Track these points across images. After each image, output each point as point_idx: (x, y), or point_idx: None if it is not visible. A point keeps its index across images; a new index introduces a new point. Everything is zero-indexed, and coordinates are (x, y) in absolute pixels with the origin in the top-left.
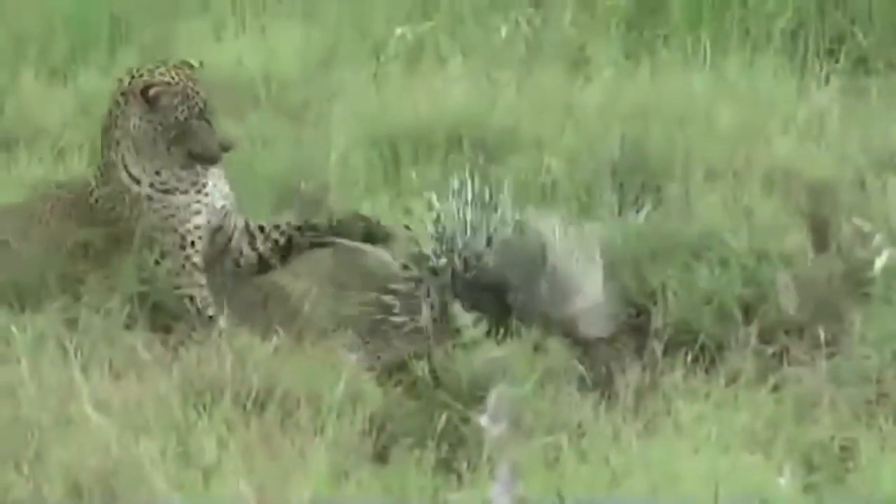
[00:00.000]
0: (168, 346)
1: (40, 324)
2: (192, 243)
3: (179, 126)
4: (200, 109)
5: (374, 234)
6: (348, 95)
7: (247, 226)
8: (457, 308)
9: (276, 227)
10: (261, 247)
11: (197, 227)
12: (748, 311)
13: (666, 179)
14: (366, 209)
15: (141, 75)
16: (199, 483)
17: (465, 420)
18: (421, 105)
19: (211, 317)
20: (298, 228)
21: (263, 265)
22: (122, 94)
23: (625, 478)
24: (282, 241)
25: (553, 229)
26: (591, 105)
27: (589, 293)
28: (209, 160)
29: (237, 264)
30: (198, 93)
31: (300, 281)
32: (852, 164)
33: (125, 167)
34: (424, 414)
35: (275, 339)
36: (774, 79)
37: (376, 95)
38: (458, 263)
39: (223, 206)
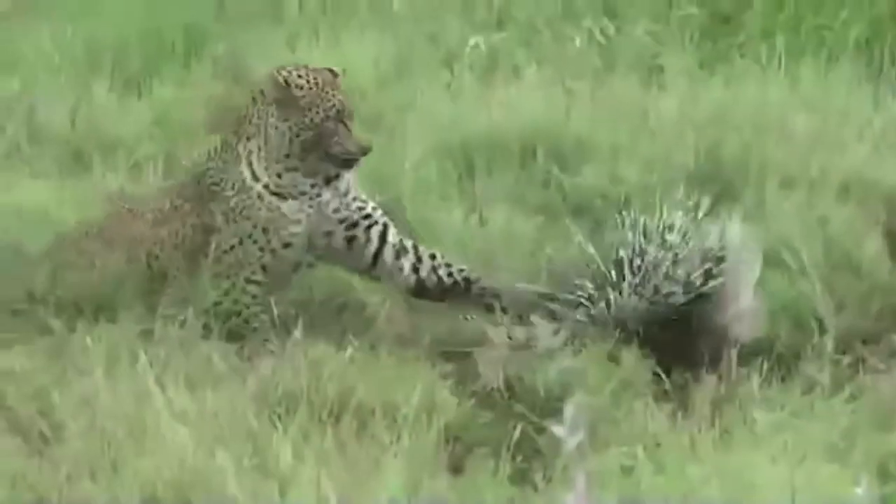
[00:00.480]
0: (243, 356)
1: (116, 335)
2: (273, 250)
3: (315, 127)
4: (338, 111)
5: (537, 307)
6: (422, 106)
7: (415, 248)
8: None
9: (449, 265)
10: (424, 273)
11: (292, 235)
12: (823, 321)
13: (741, 188)
14: (439, 219)
15: (280, 75)
16: (276, 494)
17: (540, 431)
18: (495, 115)
19: (255, 328)
20: (468, 280)
21: (420, 290)
22: (262, 91)
23: (701, 488)
24: (447, 281)
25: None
26: (665, 114)
27: (746, 295)
28: (346, 163)
29: (391, 279)
30: (335, 95)
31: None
32: None
33: (249, 163)
34: (499, 424)
35: (349, 348)
36: (849, 87)
37: (450, 105)
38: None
39: (361, 209)
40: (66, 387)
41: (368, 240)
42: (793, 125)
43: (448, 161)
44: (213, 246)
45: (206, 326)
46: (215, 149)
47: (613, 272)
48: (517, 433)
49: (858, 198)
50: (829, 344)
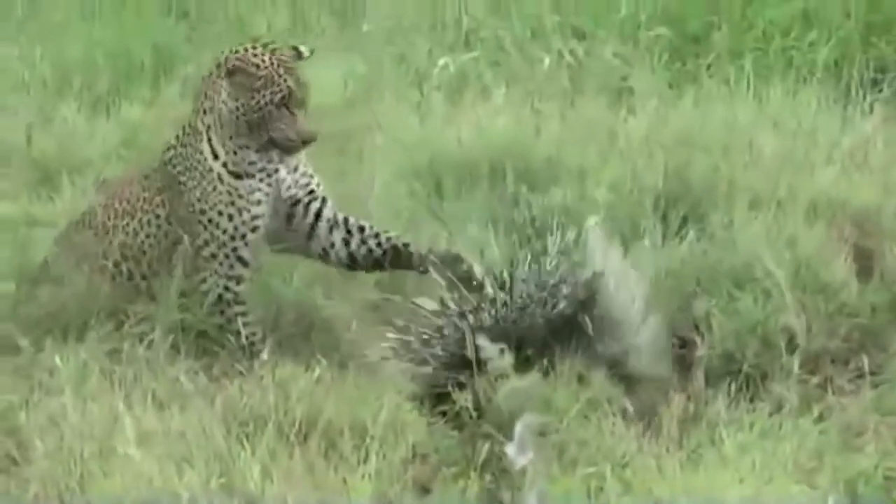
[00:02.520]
0: (211, 376)
1: (84, 354)
2: (244, 235)
3: (259, 111)
4: (283, 97)
5: (468, 278)
6: (391, 126)
7: (345, 221)
8: (481, 340)
9: (377, 234)
10: (353, 246)
11: (255, 218)
12: (791, 341)
13: (709, 209)
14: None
15: (236, 52)
16: None
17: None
18: (464, 135)
19: (240, 312)
20: (396, 248)
21: (352, 263)
22: (217, 65)
23: None
24: (377, 252)
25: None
26: (634, 135)
27: (641, 328)
28: (286, 149)
29: (325, 254)
30: (285, 80)
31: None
32: None
33: (209, 139)
34: (467, 444)
35: (317, 368)
36: (818, 108)
37: (419, 126)
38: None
39: (307, 185)
40: (34, 406)
41: (305, 216)
42: (761, 146)
43: (417, 182)
44: (186, 243)
45: (173, 345)
46: (181, 131)
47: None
48: (485, 453)
49: (827, 218)
50: (797, 364)
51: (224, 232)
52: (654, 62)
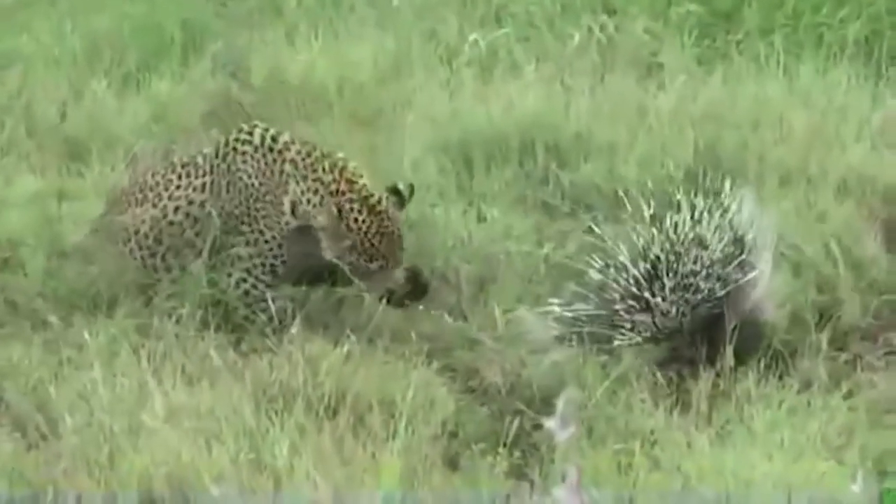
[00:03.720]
0: (240, 351)
1: (113, 329)
2: (283, 258)
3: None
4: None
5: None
6: (421, 102)
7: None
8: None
9: None
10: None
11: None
12: (821, 317)
13: (739, 185)
14: (438, 216)
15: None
16: (271, 489)
17: (537, 426)
18: (494, 111)
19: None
20: None
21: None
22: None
23: (697, 485)
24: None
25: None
26: (664, 111)
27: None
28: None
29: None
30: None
31: None
32: None
33: (293, 203)
34: (496, 420)
35: (346, 344)
36: (848, 85)
37: (449, 102)
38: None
39: None
40: (63, 382)
41: None
42: (791, 122)
43: (447, 157)
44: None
45: (202, 321)
46: (265, 150)
47: (647, 277)
48: (514, 428)
49: (857, 195)
50: (826, 340)
51: (270, 249)
52: (684, 38)
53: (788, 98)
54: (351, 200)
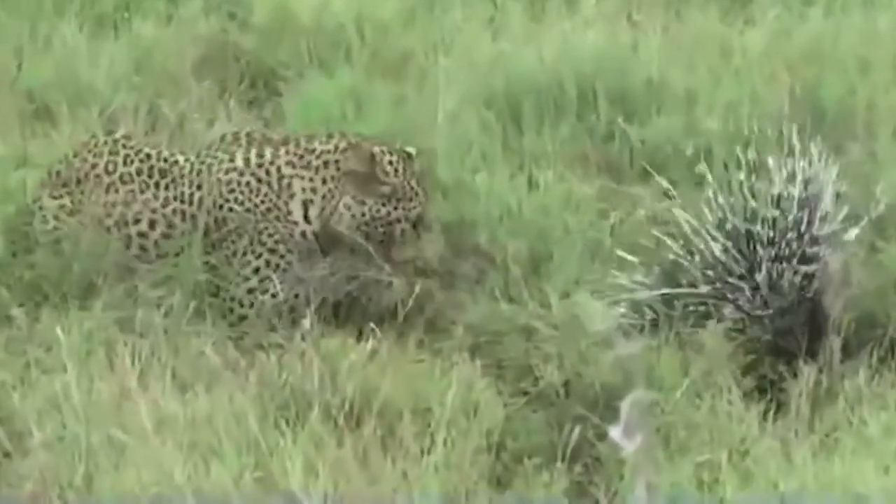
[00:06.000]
0: (243, 349)
1: (89, 324)
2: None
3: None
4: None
5: None
6: (459, 44)
7: None
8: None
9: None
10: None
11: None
12: None
13: (845, 139)
14: (480, 182)
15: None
16: None
17: (602, 435)
18: (546, 54)
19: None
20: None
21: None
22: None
23: (797, 503)
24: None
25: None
26: (752, 51)
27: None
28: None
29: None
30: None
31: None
32: None
33: (306, 208)
34: (553, 428)
35: (371, 340)
36: None
37: (492, 43)
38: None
39: None
40: (30, 388)
41: None
42: None
43: (490, 111)
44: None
45: (197, 312)
46: (244, 158)
47: (743, 247)
48: (574, 438)
49: None
50: None
51: (282, 256)
52: None
53: None
54: (375, 145)
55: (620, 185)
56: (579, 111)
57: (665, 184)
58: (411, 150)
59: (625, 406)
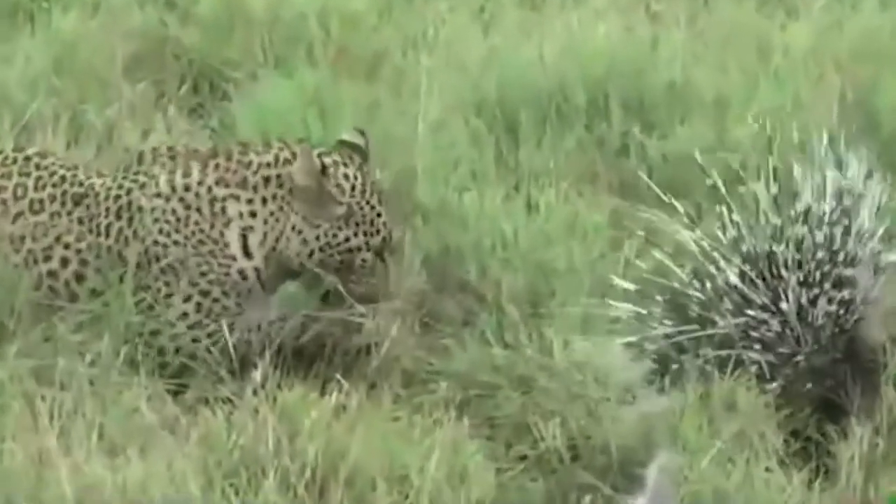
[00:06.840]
0: (184, 404)
1: (0, 375)
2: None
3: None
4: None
5: None
6: (443, 41)
7: None
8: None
9: None
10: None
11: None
12: None
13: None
14: (468, 203)
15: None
16: None
17: None
18: (548, 52)
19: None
20: None
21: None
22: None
23: None
24: None
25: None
26: (796, 49)
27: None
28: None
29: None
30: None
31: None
32: None
33: (244, 238)
34: (556, 499)
35: (337, 394)
36: None
37: (484, 40)
38: None
39: None
40: None
41: None
42: None
43: (480, 119)
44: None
45: (129, 361)
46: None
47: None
48: None
49: None
50: None
51: (223, 293)
52: None
53: None
54: (324, 154)
55: (636, 207)
56: (587, 120)
57: (684, 209)
58: (355, 138)
59: (651, 472)
